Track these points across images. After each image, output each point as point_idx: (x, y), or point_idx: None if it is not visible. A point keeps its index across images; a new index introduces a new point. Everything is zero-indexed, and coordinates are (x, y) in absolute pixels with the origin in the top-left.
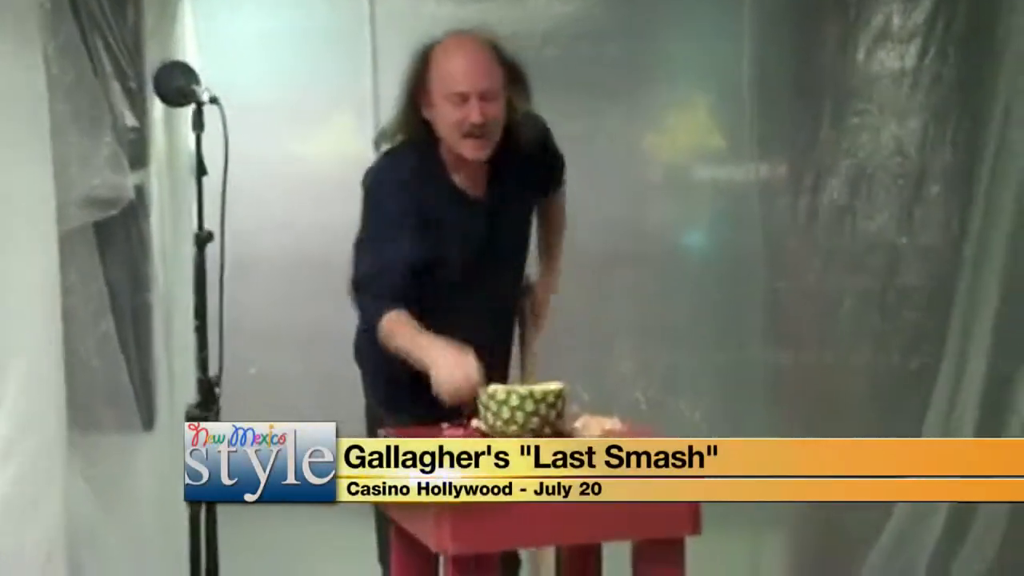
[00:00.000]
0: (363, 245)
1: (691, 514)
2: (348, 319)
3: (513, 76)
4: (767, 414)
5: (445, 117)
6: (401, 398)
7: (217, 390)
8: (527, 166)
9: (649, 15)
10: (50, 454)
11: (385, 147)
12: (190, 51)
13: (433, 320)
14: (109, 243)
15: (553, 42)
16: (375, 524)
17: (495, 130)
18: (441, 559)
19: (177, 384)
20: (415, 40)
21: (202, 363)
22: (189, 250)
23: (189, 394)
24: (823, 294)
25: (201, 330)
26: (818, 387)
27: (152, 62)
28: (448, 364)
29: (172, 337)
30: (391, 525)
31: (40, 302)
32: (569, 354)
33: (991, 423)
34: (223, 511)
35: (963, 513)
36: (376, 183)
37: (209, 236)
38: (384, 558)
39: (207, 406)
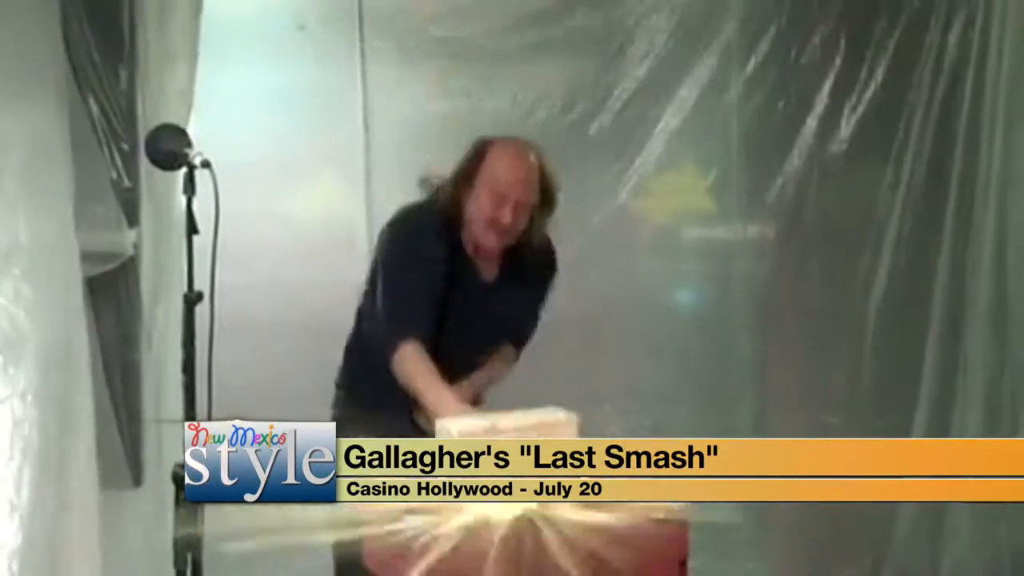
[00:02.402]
0: (394, 280)
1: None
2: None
3: (546, 194)
4: None
5: (481, 207)
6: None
7: None
8: (531, 274)
9: (638, 77)
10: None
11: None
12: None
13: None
14: (100, 300)
15: (544, 103)
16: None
17: (515, 232)
18: None
19: (165, 441)
20: (406, 105)
21: (190, 421)
22: (179, 309)
23: (177, 452)
24: (810, 355)
25: (189, 388)
26: None
27: (146, 121)
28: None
29: (162, 395)
30: None
31: (70, 349)
32: None
33: None
34: (209, 567)
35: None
36: (415, 226)
37: (199, 296)
38: None
39: None
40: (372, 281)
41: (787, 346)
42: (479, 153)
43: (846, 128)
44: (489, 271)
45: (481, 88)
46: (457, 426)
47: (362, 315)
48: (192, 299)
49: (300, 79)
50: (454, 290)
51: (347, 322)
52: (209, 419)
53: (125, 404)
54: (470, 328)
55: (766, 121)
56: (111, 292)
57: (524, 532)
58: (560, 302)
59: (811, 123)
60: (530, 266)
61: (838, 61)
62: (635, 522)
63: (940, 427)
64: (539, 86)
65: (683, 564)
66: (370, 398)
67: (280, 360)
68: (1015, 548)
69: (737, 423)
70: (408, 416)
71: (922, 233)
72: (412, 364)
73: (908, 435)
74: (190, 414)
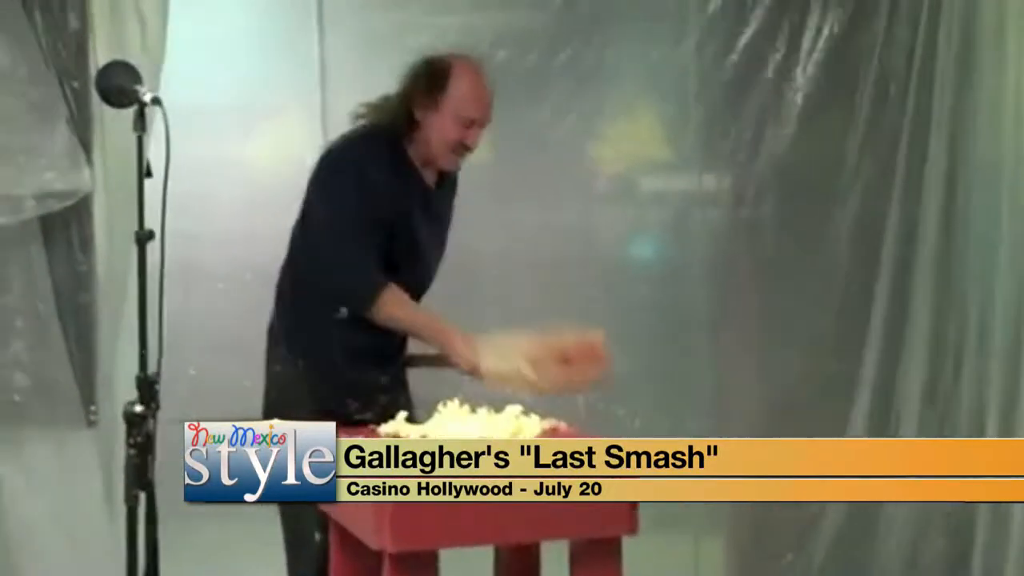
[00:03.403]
0: (337, 228)
1: (628, 514)
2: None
3: None
4: (707, 423)
5: (445, 131)
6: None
7: (157, 387)
8: (452, 181)
9: (596, 25)
10: None
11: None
12: (134, 53)
13: None
14: (54, 242)
15: (501, 50)
16: (284, 541)
17: None
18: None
19: (118, 381)
20: (363, 48)
21: (142, 360)
22: (132, 251)
23: (129, 391)
24: (764, 302)
25: (141, 327)
26: (757, 395)
27: (99, 61)
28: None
29: (116, 335)
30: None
31: None
32: None
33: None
34: (163, 508)
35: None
36: (348, 167)
37: (150, 235)
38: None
39: (146, 403)
40: (315, 218)
41: (743, 295)
42: (440, 73)
43: (803, 75)
44: (430, 177)
45: (437, 30)
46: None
47: (299, 258)
48: (143, 238)
49: (256, 24)
50: (405, 205)
51: None
52: (159, 363)
53: (79, 344)
54: (422, 235)
55: (723, 68)
56: (63, 233)
57: None
58: (515, 250)
59: (768, 71)
60: (452, 174)
61: (794, 7)
62: None
63: (889, 370)
64: (495, 29)
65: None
66: (312, 349)
67: (235, 308)
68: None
69: (690, 372)
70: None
71: (878, 179)
72: (399, 308)
73: (858, 379)
74: (141, 353)
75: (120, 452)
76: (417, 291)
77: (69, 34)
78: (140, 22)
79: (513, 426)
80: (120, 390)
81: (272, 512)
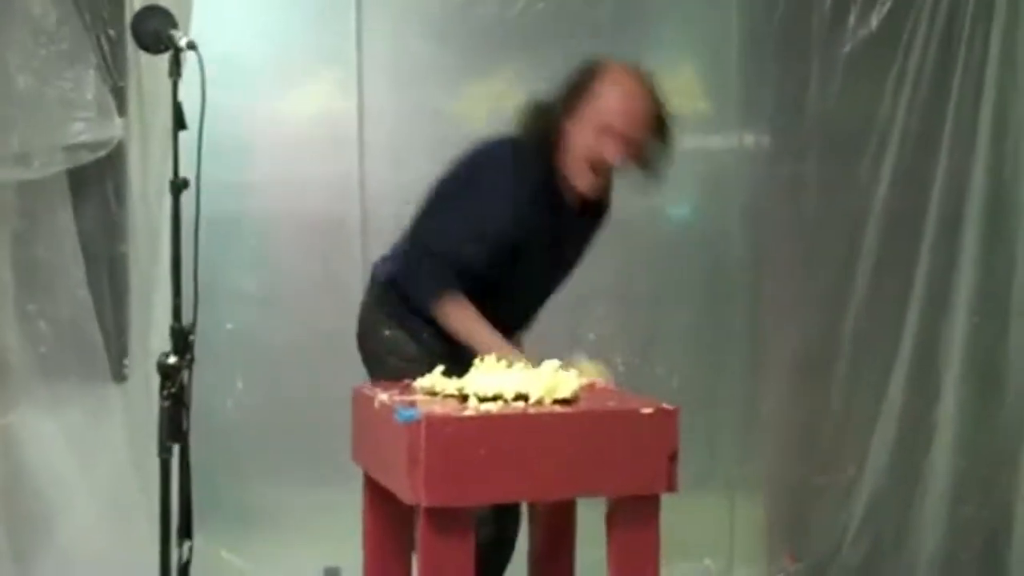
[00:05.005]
0: (457, 219)
1: (667, 472)
2: (326, 278)
3: (658, 133)
4: (745, 381)
5: (584, 140)
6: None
7: (191, 338)
8: (596, 213)
9: None
10: None
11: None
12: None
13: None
14: (85, 193)
15: (539, 5)
16: None
17: (612, 176)
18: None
19: (152, 333)
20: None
21: (176, 311)
22: (167, 199)
23: (163, 343)
24: (804, 261)
25: (176, 278)
26: (797, 353)
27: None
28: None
29: (151, 288)
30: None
31: None
32: (550, 316)
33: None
34: (196, 463)
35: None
36: (487, 175)
37: (184, 183)
38: None
39: (180, 355)
40: (438, 201)
41: (782, 252)
42: (588, 75)
43: (849, 30)
44: (575, 201)
45: None
46: None
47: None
48: (178, 186)
49: None
50: (532, 225)
51: (339, 217)
52: (195, 307)
53: (111, 297)
54: (542, 257)
55: (766, 23)
56: (95, 184)
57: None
58: None
59: (811, 27)
60: (602, 204)
61: None
62: (624, 414)
63: (931, 331)
64: None
65: (672, 457)
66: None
67: (270, 258)
68: (994, 453)
69: (729, 331)
70: None
71: (925, 134)
72: (455, 319)
73: (899, 339)
74: (175, 304)
75: (154, 405)
76: (523, 308)
77: None
78: None
79: (550, 380)
80: (155, 343)
81: (299, 470)
